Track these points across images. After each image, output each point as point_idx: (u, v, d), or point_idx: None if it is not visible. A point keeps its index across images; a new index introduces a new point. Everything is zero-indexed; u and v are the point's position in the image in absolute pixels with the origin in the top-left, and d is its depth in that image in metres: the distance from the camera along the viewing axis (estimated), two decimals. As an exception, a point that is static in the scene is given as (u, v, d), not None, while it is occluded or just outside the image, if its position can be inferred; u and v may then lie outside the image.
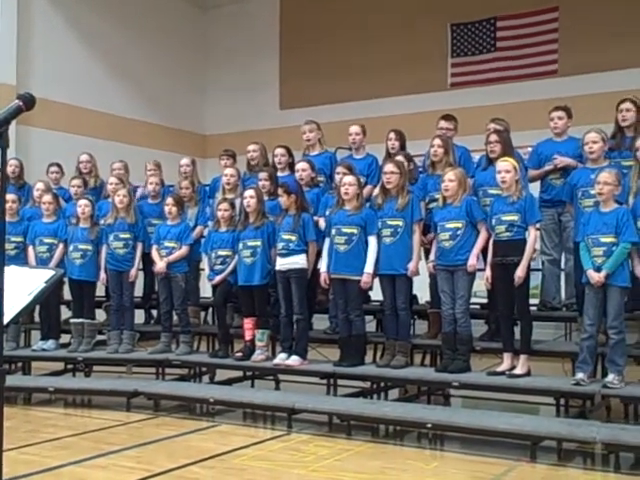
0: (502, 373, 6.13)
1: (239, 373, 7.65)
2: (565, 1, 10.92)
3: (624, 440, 5.03)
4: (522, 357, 6.13)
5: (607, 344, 5.75)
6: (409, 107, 11.25)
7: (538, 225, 6.30)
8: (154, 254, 7.65)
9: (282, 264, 6.86)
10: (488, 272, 6.19)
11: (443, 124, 7.29)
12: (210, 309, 8.57)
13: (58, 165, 8.94)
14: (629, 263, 5.72)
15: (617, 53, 10.26)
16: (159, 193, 8.31)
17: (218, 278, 7.29)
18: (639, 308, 5.92)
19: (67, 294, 8.13)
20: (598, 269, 5.64)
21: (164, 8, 13.23)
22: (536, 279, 7.04)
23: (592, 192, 5.93)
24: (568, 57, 10.83)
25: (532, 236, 6.04)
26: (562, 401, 6.12)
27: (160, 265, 7.52)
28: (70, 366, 8.14)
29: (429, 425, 5.64)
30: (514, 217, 6.03)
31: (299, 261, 6.82)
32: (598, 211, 5.80)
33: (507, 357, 6.20)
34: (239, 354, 7.18)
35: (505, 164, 6.10)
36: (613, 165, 6.20)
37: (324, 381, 6.84)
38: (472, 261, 6.23)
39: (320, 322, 7.75)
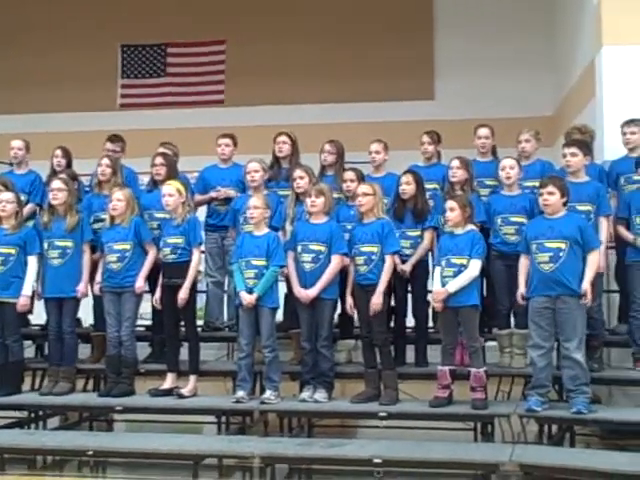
0: (167, 392, 6.20)
1: None
2: (232, 35, 11.41)
3: (278, 452, 5.34)
4: (192, 377, 6.26)
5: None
6: (76, 125, 10.93)
7: (203, 247, 6.51)
8: None
9: None
10: (158, 294, 6.26)
11: (109, 146, 7.30)
12: None
13: None
14: (277, 285, 6.10)
15: (277, 89, 10.95)
16: None
17: None
18: (294, 327, 6.33)
19: None
20: (250, 290, 5.94)
21: None
22: (201, 300, 7.23)
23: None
24: (234, 89, 11.32)
25: (195, 258, 6.22)
26: (224, 419, 6.34)
27: None
28: None
29: (90, 452, 5.49)
30: (178, 240, 6.17)
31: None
32: (251, 235, 6.12)
33: (170, 377, 6.29)
34: None
35: (169, 188, 6.24)
36: (271, 194, 6.60)
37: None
38: (139, 283, 6.27)
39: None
